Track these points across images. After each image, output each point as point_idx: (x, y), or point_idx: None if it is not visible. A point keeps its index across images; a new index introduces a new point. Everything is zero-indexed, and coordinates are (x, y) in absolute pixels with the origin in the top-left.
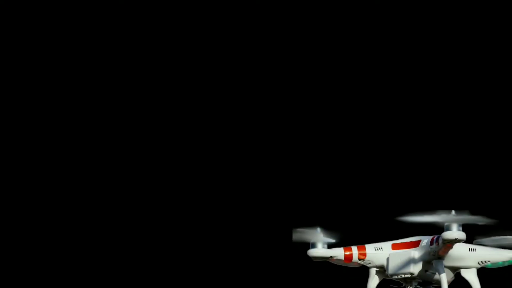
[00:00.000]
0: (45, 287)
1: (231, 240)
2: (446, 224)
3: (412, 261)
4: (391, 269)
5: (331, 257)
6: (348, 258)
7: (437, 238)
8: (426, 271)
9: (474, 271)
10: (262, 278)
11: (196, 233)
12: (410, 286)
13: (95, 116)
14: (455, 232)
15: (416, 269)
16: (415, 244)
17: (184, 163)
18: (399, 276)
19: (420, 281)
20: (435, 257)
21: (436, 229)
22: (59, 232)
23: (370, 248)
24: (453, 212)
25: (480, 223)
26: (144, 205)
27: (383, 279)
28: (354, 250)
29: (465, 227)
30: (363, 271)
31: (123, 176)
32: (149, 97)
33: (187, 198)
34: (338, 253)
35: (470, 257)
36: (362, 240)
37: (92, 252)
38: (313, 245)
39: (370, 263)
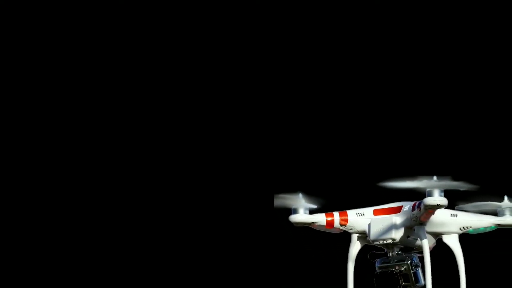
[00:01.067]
0: (45, 287)
1: (212, 206)
2: (427, 190)
3: (393, 227)
4: (372, 234)
5: (312, 223)
6: (330, 223)
7: (419, 204)
8: (408, 236)
9: (456, 236)
10: (243, 244)
11: (175, 199)
12: (392, 251)
13: (89, 115)
14: (436, 198)
15: (397, 235)
16: (397, 210)
17: (163, 124)
18: (380, 242)
19: (402, 246)
20: (416, 223)
21: (417, 195)
22: (58, 232)
23: (351, 214)
24: (434, 178)
25: (462, 189)
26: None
27: (365, 244)
28: (336, 216)
29: (446, 193)
30: (345, 237)
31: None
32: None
33: (165, 159)
34: (320, 219)
35: (451, 223)
36: (344, 206)
37: (89, 251)
38: (295, 211)
39: (351, 228)
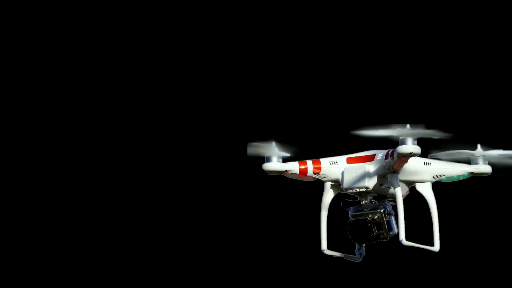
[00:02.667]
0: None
1: (184, 154)
2: (401, 138)
3: (367, 175)
4: (346, 183)
5: (285, 171)
6: (303, 172)
7: (392, 152)
8: (381, 185)
9: (429, 185)
10: (216, 192)
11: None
12: (365, 200)
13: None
14: (410, 146)
15: (371, 183)
16: (370, 158)
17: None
18: (354, 190)
19: (375, 195)
20: (390, 171)
21: (391, 143)
22: (58, 232)
23: (325, 162)
24: (408, 126)
25: (435, 137)
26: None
27: (338, 193)
28: (309, 164)
29: (420, 141)
30: (318, 185)
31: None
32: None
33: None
34: (293, 167)
35: (425, 171)
36: (317, 154)
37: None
38: (268, 159)
39: (325, 177)
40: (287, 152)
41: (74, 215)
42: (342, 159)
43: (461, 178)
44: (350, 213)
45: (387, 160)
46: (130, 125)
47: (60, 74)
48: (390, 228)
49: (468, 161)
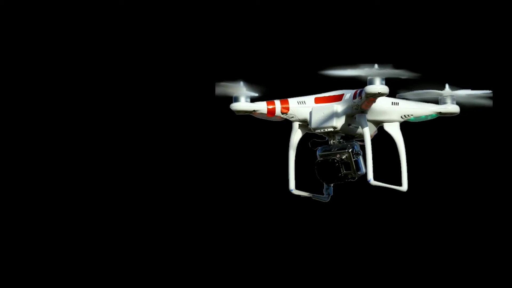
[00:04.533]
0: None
1: (151, 95)
2: (369, 78)
3: (335, 115)
4: (314, 123)
5: (254, 111)
6: (271, 112)
7: (360, 92)
8: (349, 125)
9: (397, 125)
10: (183, 132)
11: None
12: (333, 140)
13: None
14: (378, 86)
15: (339, 123)
16: (338, 98)
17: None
18: (322, 130)
19: (343, 135)
20: (358, 111)
21: (359, 83)
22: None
23: (293, 102)
24: (376, 66)
25: (403, 77)
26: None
27: (306, 132)
28: (277, 104)
29: (388, 81)
30: (286, 125)
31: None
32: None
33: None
34: (261, 107)
35: (393, 111)
36: (285, 94)
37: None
38: (236, 99)
39: (293, 117)
40: (255, 92)
41: (61, 202)
42: (310, 99)
43: (429, 118)
44: (318, 153)
45: (355, 100)
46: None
47: (49, 71)
48: (358, 168)
49: (436, 101)
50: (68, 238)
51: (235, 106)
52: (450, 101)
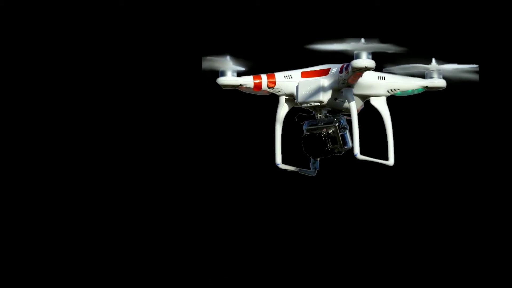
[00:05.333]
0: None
1: (138, 70)
2: (355, 52)
3: (321, 89)
4: (300, 97)
5: (240, 85)
6: (258, 86)
7: (347, 66)
8: (336, 99)
9: (384, 99)
10: (170, 106)
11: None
12: (320, 114)
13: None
14: (364, 60)
15: (325, 97)
16: (325, 72)
17: None
18: (308, 104)
19: (330, 109)
20: (344, 85)
21: (345, 57)
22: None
23: (279, 76)
24: (362, 40)
25: (389, 51)
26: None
27: (293, 107)
28: (264, 78)
29: (374, 55)
30: (272, 99)
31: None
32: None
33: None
34: (248, 81)
35: (379, 85)
36: (271, 68)
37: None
38: (223, 73)
39: (279, 91)
40: (242, 66)
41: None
42: (296, 73)
43: (416, 92)
44: (304, 127)
45: (341, 74)
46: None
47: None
48: (344, 142)
49: (422, 75)
50: (62, 233)
51: (222, 80)
52: (436, 75)
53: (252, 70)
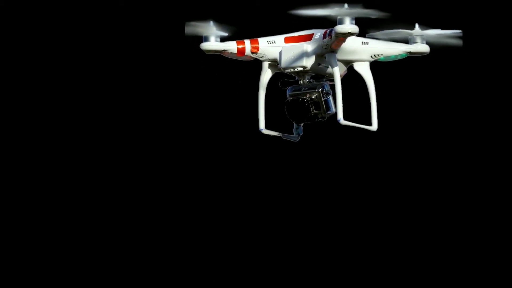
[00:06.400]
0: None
1: (123, 35)
2: (339, 17)
3: (305, 54)
4: (283, 62)
5: (224, 50)
6: (241, 51)
7: (330, 32)
8: (319, 64)
9: (367, 64)
10: (154, 70)
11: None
12: (303, 79)
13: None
14: (347, 26)
15: (309, 62)
16: (308, 38)
17: None
18: (292, 70)
19: (313, 74)
20: (327, 50)
21: (328, 23)
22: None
23: (262, 42)
24: (346, 5)
25: (373, 17)
26: None
27: (276, 72)
28: (247, 43)
29: (358, 21)
30: (256, 65)
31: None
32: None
33: None
34: (231, 46)
35: (363, 50)
36: (255, 34)
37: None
38: (206, 39)
39: (263, 56)
40: (225, 31)
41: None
42: (280, 39)
43: (399, 57)
44: (288, 93)
45: (325, 40)
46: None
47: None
48: (328, 107)
49: (406, 41)
50: (57, 228)
51: (205, 45)
52: (420, 40)
53: (236, 35)
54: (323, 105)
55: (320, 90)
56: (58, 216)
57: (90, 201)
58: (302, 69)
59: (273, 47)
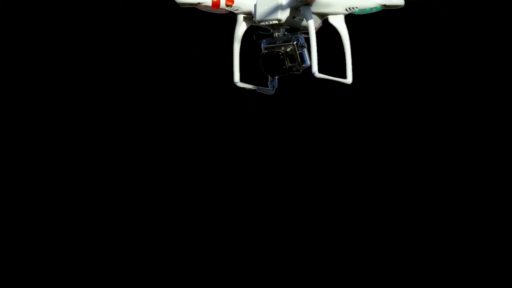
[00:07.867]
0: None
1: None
2: None
3: (279, 7)
4: (258, 15)
5: (198, 3)
6: (216, 4)
7: None
8: (294, 17)
9: (342, 17)
10: (126, 25)
11: None
12: (278, 32)
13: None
14: None
15: (283, 15)
16: None
17: None
18: (266, 23)
19: (288, 27)
20: (302, 3)
21: None
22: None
23: None
24: None
25: None
26: None
27: (251, 25)
28: None
29: None
30: (230, 18)
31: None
32: None
33: None
34: None
35: (337, 3)
36: None
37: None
38: None
39: (237, 9)
40: None
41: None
42: None
43: (374, 10)
44: (262, 46)
45: None
46: None
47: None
48: (302, 60)
49: None
50: (60, 228)
51: None
52: None
53: None
54: (298, 58)
55: (295, 43)
56: (57, 215)
57: (78, 182)
58: (277, 22)
59: (248, 0)
